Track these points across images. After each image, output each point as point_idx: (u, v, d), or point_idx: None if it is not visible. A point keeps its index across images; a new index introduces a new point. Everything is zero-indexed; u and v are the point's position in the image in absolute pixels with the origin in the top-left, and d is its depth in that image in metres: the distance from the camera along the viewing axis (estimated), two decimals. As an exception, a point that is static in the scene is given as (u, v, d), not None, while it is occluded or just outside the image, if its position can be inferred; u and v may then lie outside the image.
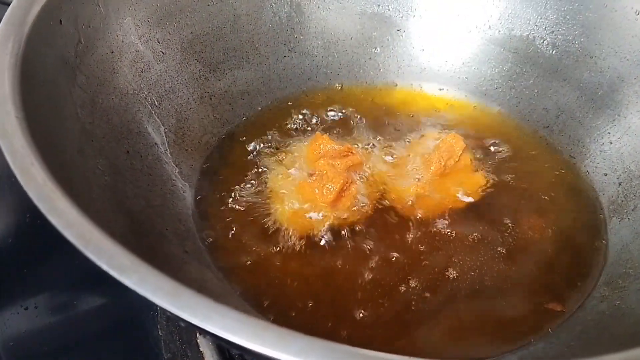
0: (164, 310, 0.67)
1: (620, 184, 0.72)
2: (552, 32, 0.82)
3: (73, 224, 0.39)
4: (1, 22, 0.54)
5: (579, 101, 0.80)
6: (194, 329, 0.62)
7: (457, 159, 0.72)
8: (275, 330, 0.34)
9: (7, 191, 0.81)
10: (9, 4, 0.56)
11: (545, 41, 0.83)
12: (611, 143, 0.75)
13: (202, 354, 0.64)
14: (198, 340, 0.65)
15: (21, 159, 0.43)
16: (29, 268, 0.74)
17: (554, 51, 0.82)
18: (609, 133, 0.76)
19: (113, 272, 0.37)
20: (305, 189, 0.69)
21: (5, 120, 0.46)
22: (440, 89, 0.87)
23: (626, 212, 0.69)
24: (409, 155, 0.75)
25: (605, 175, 0.74)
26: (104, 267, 0.37)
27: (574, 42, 0.80)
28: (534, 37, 0.83)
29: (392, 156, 0.75)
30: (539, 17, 0.83)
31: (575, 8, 0.79)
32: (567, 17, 0.80)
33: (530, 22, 0.83)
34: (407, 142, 0.77)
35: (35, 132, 0.46)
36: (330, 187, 0.68)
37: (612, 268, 0.64)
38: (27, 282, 0.73)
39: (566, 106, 0.81)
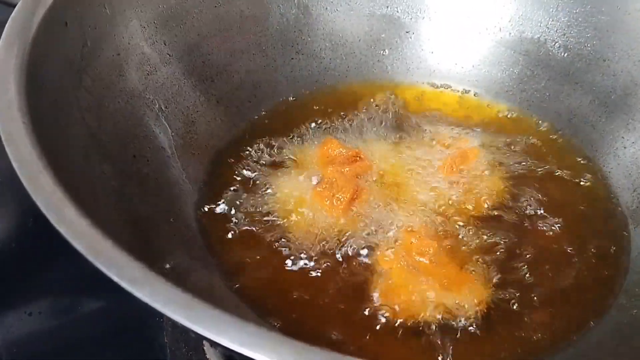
0: (170, 317, 0.67)
1: (635, 190, 0.71)
2: (564, 34, 0.81)
3: (83, 235, 0.38)
4: (6, 24, 0.53)
5: (592, 105, 0.79)
6: (205, 340, 0.61)
7: (469, 164, 0.72)
8: (292, 345, 0.33)
9: (10, 195, 0.80)
10: (14, 5, 0.56)
11: (556, 44, 0.82)
12: (625, 148, 0.75)
13: (209, 361, 0.64)
14: (205, 348, 0.64)
15: (28, 167, 0.42)
16: (32, 272, 0.73)
17: (565, 54, 0.82)
18: (623, 137, 0.75)
19: (124, 284, 0.36)
20: (314, 197, 0.68)
21: (11, 127, 0.45)
22: (450, 92, 0.87)
23: (642, 218, 0.68)
24: (424, 158, 0.74)
25: (620, 180, 0.73)
26: (115, 278, 0.36)
27: (586, 44, 0.80)
28: (545, 39, 0.83)
29: (403, 159, 0.74)
30: (551, 20, 0.82)
31: (587, 10, 0.79)
32: (579, 19, 0.80)
33: (542, 25, 0.83)
34: (418, 145, 0.76)
35: (41, 138, 0.45)
36: (340, 196, 0.67)
37: (629, 276, 0.63)
38: (30, 286, 0.72)
39: (578, 110, 0.80)
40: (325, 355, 0.33)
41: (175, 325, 0.66)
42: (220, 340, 0.34)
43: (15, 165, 0.42)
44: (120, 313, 0.69)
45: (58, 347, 0.67)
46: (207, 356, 0.64)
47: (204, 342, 0.64)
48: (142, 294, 0.36)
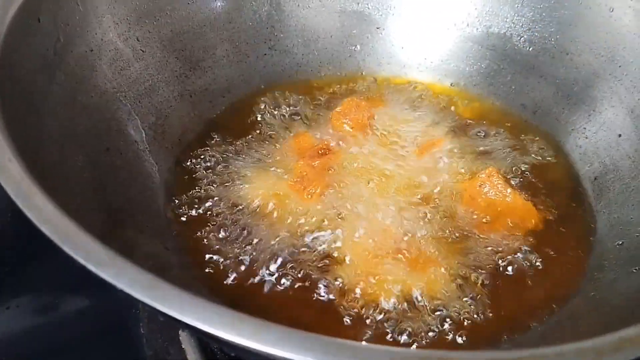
0: (145, 307, 0.67)
1: (595, 179, 0.73)
2: (529, 29, 0.83)
3: (50, 220, 0.39)
4: (-22, 20, 0.54)
5: (555, 97, 0.81)
6: (174, 324, 0.62)
7: (436, 153, 0.74)
8: (251, 321, 0.35)
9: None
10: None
11: (522, 38, 0.84)
12: (587, 138, 0.76)
13: (184, 351, 0.64)
14: (180, 338, 0.65)
15: (-2, 155, 0.43)
16: (11, 269, 0.73)
17: (530, 48, 0.84)
18: (585, 128, 0.77)
19: (90, 266, 0.37)
20: (286, 190, 0.69)
21: (-19, 117, 0.46)
22: (420, 86, 0.88)
23: (601, 205, 0.70)
24: (392, 148, 0.76)
25: (582, 169, 0.75)
26: (81, 261, 0.37)
27: (550, 39, 0.82)
28: (511, 34, 0.85)
29: (372, 151, 0.75)
30: (516, 15, 0.84)
31: (551, 5, 0.81)
32: (544, 14, 0.82)
33: (508, 20, 0.85)
34: (387, 136, 0.78)
35: (12, 129, 0.47)
36: (311, 190, 0.68)
37: (591, 260, 0.65)
38: (9, 283, 0.72)
39: (543, 102, 0.82)
40: (283, 330, 0.34)
41: (150, 316, 0.67)
42: (182, 317, 0.35)
43: (-16, 154, 0.43)
44: (98, 310, 0.70)
45: (37, 344, 0.67)
46: (182, 346, 0.65)
47: (180, 332, 0.65)
48: (107, 275, 0.37)
